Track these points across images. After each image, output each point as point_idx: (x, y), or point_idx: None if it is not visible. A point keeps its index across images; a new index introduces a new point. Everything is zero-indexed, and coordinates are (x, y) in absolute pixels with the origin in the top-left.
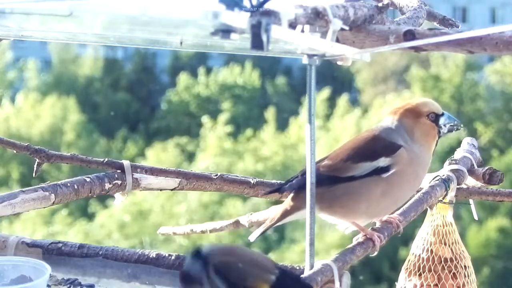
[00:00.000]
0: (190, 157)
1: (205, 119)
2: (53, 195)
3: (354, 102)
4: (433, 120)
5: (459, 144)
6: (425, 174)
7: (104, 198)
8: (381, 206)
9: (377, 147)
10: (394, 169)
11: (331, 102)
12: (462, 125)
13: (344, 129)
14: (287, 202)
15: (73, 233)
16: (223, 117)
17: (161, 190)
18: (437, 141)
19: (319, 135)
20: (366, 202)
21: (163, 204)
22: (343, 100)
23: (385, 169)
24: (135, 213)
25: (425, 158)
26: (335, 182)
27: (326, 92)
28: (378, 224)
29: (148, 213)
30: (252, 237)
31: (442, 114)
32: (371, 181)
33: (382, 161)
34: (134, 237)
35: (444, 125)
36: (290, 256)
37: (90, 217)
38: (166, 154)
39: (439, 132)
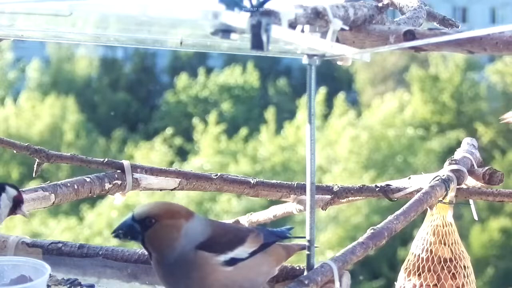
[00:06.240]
0: (188, 157)
1: (198, 120)
2: (53, 195)
3: (353, 102)
4: None
5: (459, 144)
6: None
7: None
8: None
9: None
10: None
11: (329, 102)
12: None
13: (342, 129)
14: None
15: (58, 231)
16: (221, 118)
17: (161, 190)
18: None
19: (317, 135)
20: None
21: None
22: (339, 99)
23: None
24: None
25: None
26: None
27: (324, 92)
28: None
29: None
30: None
31: None
32: None
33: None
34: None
35: None
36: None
37: (81, 218)
38: (160, 154)
39: None
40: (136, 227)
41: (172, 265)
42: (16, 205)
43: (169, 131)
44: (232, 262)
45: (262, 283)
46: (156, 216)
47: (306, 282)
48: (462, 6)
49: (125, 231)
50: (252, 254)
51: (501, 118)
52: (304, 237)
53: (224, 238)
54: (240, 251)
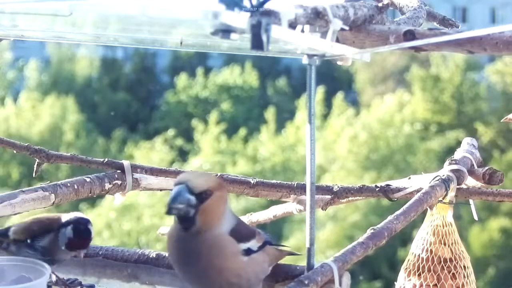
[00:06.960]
0: (188, 157)
1: (198, 120)
2: (53, 195)
3: (353, 102)
4: None
5: (459, 144)
6: None
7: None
8: None
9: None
10: None
11: (328, 102)
12: None
13: (341, 129)
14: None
15: None
16: (221, 118)
17: (161, 190)
18: None
19: (316, 135)
20: None
21: (154, 202)
22: (338, 99)
23: None
24: (120, 211)
25: None
26: None
27: (322, 91)
28: None
29: (138, 211)
30: None
31: None
32: None
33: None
34: (122, 236)
35: None
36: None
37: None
38: (160, 154)
39: None
40: (193, 200)
41: (199, 243)
42: None
43: (170, 132)
44: (248, 252)
45: (261, 280)
46: (212, 188)
47: (306, 282)
48: (462, 6)
49: (183, 206)
50: (259, 249)
51: (506, 119)
52: (286, 246)
53: (243, 228)
54: (252, 244)
